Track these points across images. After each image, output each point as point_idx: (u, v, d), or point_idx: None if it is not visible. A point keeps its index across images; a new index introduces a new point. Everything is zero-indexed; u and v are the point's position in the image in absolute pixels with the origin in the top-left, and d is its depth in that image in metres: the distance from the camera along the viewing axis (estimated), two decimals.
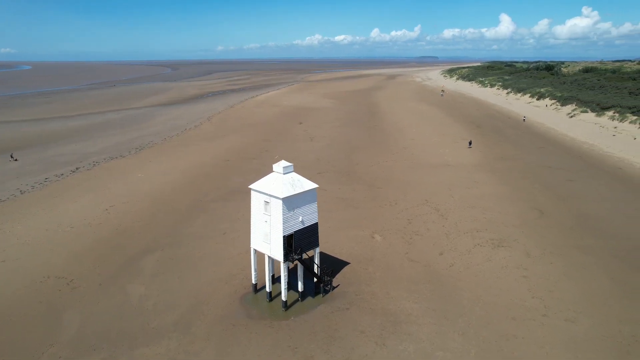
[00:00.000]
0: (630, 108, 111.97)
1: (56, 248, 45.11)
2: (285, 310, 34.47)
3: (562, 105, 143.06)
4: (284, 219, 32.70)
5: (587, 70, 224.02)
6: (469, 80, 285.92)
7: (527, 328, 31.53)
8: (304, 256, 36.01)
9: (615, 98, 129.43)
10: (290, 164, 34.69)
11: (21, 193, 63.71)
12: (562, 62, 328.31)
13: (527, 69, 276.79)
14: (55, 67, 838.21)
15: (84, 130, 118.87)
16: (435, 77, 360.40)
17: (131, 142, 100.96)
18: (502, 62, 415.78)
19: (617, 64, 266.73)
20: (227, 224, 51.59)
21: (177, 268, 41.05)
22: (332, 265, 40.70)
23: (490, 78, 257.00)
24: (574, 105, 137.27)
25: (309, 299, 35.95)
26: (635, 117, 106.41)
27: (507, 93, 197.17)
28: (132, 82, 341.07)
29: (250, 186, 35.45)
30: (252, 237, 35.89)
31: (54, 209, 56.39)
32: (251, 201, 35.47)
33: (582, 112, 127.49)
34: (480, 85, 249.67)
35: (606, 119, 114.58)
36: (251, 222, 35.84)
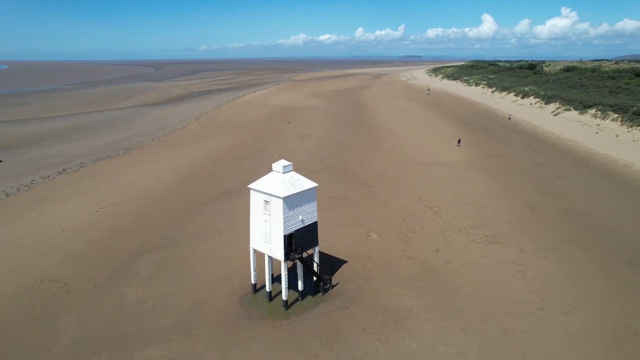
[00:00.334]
0: (611, 106, 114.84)
1: (48, 251, 44.14)
2: (286, 309, 34.42)
3: (546, 103, 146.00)
4: (284, 218, 32.60)
5: (568, 69, 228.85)
6: (454, 79, 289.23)
7: (526, 322, 32.13)
8: (304, 255, 35.98)
9: (596, 96, 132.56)
10: (290, 163, 34.59)
11: (7, 196, 62.09)
12: (543, 62, 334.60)
13: (511, 68, 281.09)
14: (33, 66, 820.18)
15: (69, 131, 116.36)
16: (420, 76, 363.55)
17: (119, 143, 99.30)
18: (485, 61, 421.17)
19: (596, 63, 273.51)
20: (222, 224, 51.21)
21: (174, 269, 40.58)
22: (330, 263, 40.78)
23: (475, 77, 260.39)
24: (557, 103, 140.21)
25: (309, 298, 35.97)
26: (616, 115, 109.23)
27: (492, 92, 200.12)
28: (115, 82, 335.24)
29: (249, 185, 35.21)
30: (252, 237, 35.68)
31: (43, 212, 55.15)
32: (250, 201, 35.24)
33: (565, 110, 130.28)
34: (465, 84, 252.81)
35: (589, 117, 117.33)
36: (250, 221, 35.61)
